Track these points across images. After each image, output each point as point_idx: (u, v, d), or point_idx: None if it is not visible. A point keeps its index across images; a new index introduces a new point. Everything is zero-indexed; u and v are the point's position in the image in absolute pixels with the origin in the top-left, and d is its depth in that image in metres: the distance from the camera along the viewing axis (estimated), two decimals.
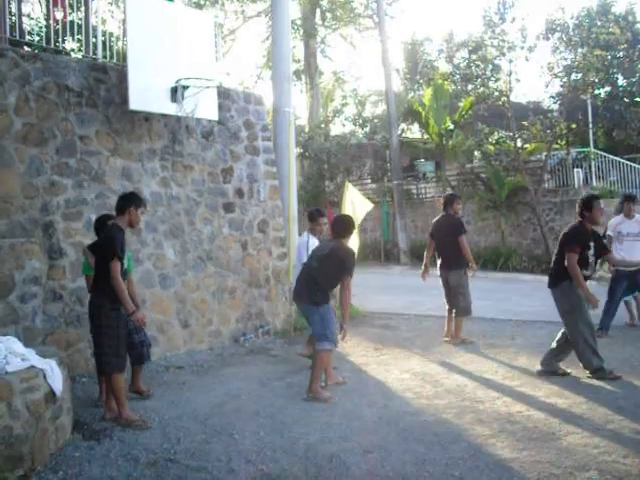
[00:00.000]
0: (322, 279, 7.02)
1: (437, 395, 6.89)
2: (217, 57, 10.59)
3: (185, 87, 8.85)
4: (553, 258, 7.63)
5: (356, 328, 10.61)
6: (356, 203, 11.15)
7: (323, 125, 28.17)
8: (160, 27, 8.86)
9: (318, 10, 31.37)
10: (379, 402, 6.70)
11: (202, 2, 26.03)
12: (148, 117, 9.20)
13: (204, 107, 9.32)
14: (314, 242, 8.43)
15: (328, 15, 32.17)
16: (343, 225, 7.31)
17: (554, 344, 7.62)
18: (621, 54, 23.17)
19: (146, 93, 8.62)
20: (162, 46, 8.81)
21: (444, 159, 23.50)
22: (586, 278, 7.30)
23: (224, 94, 10.54)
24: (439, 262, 9.69)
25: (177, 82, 8.79)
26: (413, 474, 4.78)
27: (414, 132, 31.67)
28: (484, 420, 5.97)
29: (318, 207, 11.58)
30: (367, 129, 26.21)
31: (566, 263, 7.20)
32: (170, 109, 8.95)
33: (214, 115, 9.72)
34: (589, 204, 7.35)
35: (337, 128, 29.34)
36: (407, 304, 13.22)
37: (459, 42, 27.55)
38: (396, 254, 23.12)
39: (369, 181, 26.71)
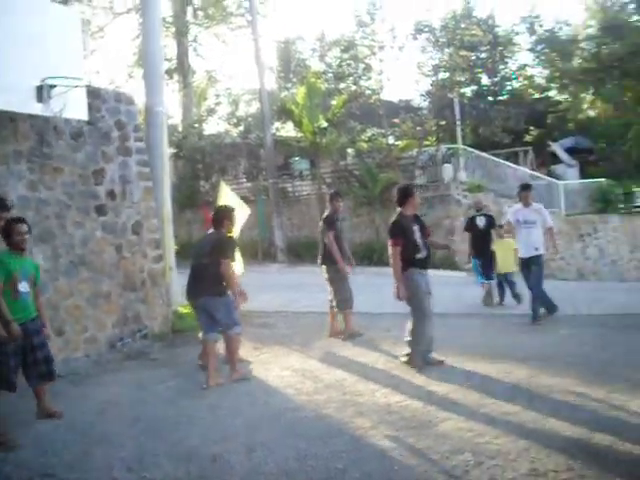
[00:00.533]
0: (215, 270, 7.27)
1: (317, 390, 6.99)
2: (85, 55, 10.31)
3: (52, 86, 8.54)
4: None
5: None
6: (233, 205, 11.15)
7: (197, 124, 27.87)
8: (24, 23, 8.51)
9: (190, 8, 31.00)
10: (260, 400, 6.74)
11: None
12: (14, 117, 8.82)
13: (73, 107, 9.00)
14: None
15: (200, 13, 31.83)
16: (218, 215, 7.67)
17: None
18: (484, 55, 24.29)
19: (10, 92, 8.25)
20: (27, 43, 8.46)
21: (319, 157, 23.76)
22: (423, 261, 7.63)
23: (94, 93, 10.22)
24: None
25: (43, 81, 8.47)
26: (296, 469, 4.86)
27: (289, 130, 31.82)
28: (364, 412, 6.12)
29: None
30: (241, 128, 26.12)
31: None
32: (37, 109, 8.62)
33: (83, 115, 9.43)
34: (407, 192, 7.66)
35: (211, 127, 29.07)
36: (285, 302, 13.30)
37: (331, 41, 27.96)
38: (273, 252, 23.20)
39: (244, 180, 26.66)
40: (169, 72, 29.93)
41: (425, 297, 7.63)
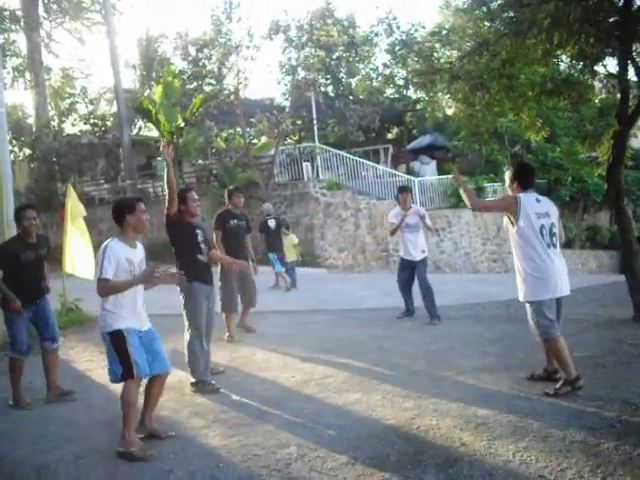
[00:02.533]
0: None
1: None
2: None
3: None
4: None
5: (85, 334, 10.43)
6: (74, 207, 11.03)
7: (54, 124, 26.96)
8: None
9: (41, 2, 29.86)
10: (99, 406, 6.67)
11: None
12: None
13: None
14: None
15: (53, 7, 30.73)
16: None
17: None
18: (342, 55, 24.76)
19: None
20: None
21: (181, 157, 23.55)
22: (206, 265, 7.28)
23: None
24: None
25: None
26: (124, 473, 4.86)
27: (152, 130, 31.34)
28: (200, 412, 6.18)
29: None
30: (97, 128, 25.50)
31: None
32: None
33: None
34: (183, 197, 7.32)
35: (69, 128, 28.19)
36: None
37: (191, 40, 27.73)
38: None
39: (103, 181, 26.05)
40: (19, 69, 28.83)
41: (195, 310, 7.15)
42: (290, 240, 15.81)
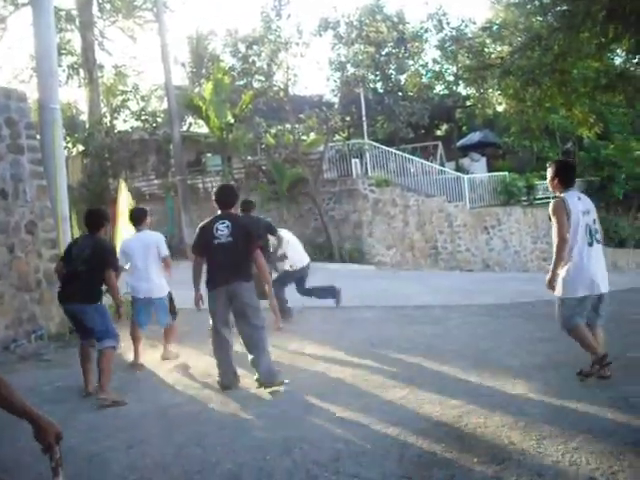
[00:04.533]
0: (90, 277, 6.92)
1: (205, 386, 7.07)
2: None
3: None
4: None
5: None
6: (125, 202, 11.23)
7: (107, 121, 27.37)
8: None
9: (95, 1, 30.33)
10: (148, 397, 6.77)
11: None
12: None
13: None
14: None
15: (106, 6, 31.21)
16: (92, 218, 7.24)
17: None
18: (391, 51, 24.66)
19: None
20: None
21: (228, 153, 23.72)
22: None
23: None
24: None
25: None
26: (172, 463, 4.92)
27: (202, 126, 31.62)
28: (248, 405, 6.23)
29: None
30: (148, 125, 25.79)
31: None
32: None
33: None
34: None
35: (121, 124, 28.61)
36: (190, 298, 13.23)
37: (241, 37, 27.91)
38: (183, 249, 23.05)
39: (153, 177, 26.38)
40: (74, 67, 29.33)
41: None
42: None
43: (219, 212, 7.07)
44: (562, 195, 6.18)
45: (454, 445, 4.83)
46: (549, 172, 6.36)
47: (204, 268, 7.08)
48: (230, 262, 6.79)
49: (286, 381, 6.76)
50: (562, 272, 6.15)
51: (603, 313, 6.21)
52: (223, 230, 6.81)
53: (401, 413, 5.66)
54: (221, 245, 6.81)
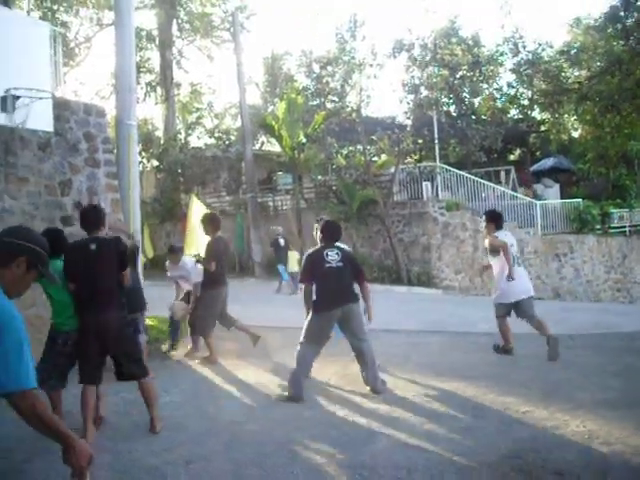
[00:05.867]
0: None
1: (268, 404, 7.04)
2: (56, 68, 10.37)
3: (16, 97, 8.62)
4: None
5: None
6: (200, 213, 11.29)
7: (181, 138, 27.96)
8: None
9: (175, 21, 31.14)
10: (209, 413, 6.77)
11: (47, 8, 25.23)
12: None
13: (38, 118, 9.10)
14: None
15: (185, 26, 32.00)
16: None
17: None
18: (465, 74, 24.46)
19: None
20: None
21: (298, 172, 23.87)
22: None
23: (63, 105, 10.29)
24: None
25: (7, 91, 8.55)
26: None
27: (274, 145, 32.00)
28: (306, 427, 6.16)
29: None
30: (221, 142, 26.22)
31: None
32: (1, 119, 8.69)
33: (49, 126, 9.50)
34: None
35: (195, 141, 29.22)
36: (255, 315, 13.29)
37: (315, 57, 28.19)
38: (251, 266, 23.26)
39: (224, 194, 26.73)
40: (152, 85, 30.10)
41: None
42: (293, 255, 19.01)
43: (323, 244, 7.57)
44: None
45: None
46: (484, 220, 9.30)
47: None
48: (342, 285, 7.39)
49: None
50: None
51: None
52: (334, 256, 7.37)
53: (464, 444, 5.51)
54: (332, 269, 7.33)
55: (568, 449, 5.25)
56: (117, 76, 11.81)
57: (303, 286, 7.48)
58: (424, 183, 21.84)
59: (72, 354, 6.06)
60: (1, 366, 2.71)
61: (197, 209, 11.83)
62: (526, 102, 32.11)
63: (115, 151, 11.38)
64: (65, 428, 2.87)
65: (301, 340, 7.34)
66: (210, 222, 9.62)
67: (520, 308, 9.24)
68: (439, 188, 22.33)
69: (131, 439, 5.97)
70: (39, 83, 9.04)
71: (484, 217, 9.60)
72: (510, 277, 8.94)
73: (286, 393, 7.21)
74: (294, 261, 18.72)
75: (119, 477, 5.07)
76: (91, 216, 6.32)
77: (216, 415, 6.68)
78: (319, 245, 7.60)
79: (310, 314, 7.32)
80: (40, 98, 8.92)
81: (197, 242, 11.33)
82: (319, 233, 7.73)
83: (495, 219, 9.40)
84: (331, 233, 7.67)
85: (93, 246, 5.98)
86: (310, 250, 7.68)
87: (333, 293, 7.31)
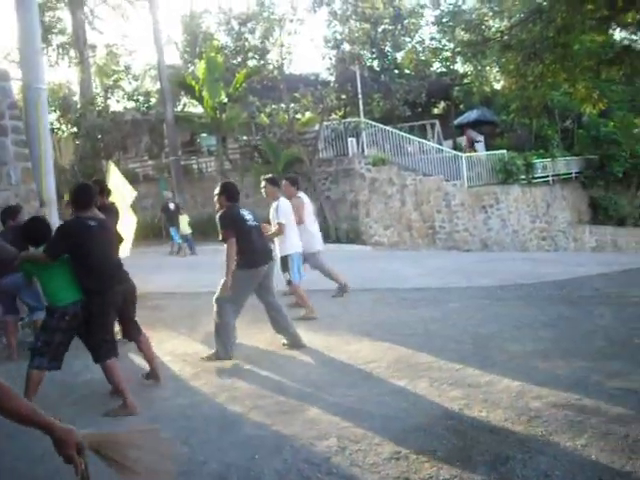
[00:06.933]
0: None
1: (196, 376, 6.78)
2: None
3: None
4: None
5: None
6: (120, 186, 10.73)
7: (101, 102, 26.96)
8: None
9: None
10: (133, 389, 6.47)
11: None
12: None
13: None
14: None
15: None
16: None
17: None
18: (387, 28, 24.22)
19: None
20: None
21: (222, 133, 23.35)
22: None
23: None
24: None
25: None
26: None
27: (197, 106, 31.23)
28: (238, 397, 5.94)
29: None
30: (141, 105, 25.42)
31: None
32: None
33: None
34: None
35: (114, 105, 28.20)
36: (181, 282, 12.98)
37: (235, 15, 27.47)
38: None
39: (147, 158, 26.03)
40: (64, 47, 28.88)
41: None
42: (184, 218, 19.94)
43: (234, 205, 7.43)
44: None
45: (455, 442, 4.56)
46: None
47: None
48: (264, 242, 7.71)
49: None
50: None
51: None
52: (248, 216, 7.44)
53: (398, 406, 5.38)
54: (254, 227, 7.45)
55: (501, 405, 5.16)
56: (20, 37, 11.09)
57: (228, 242, 7.14)
58: (349, 139, 21.67)
59: (69, 330, 5.78)
60: None
61: (115, 178, 11.30)
62: (449, 54, 32.12)
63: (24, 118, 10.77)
64: (42, 417, 2.47)
65: (220, 297, 7.22)
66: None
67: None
68: (364, 144, 22.19)
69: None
70: None
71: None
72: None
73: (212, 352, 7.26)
74: (185, 224, 19.84)
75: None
76: (88, 194, 6.16)
77: (141, 390, 6.39)
78: (227, 205, 7.37)
79: (236, 271, 7.11)
80: None
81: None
82: (222, 195, 7.44)
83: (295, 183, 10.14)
84: (236, 193, 7.55)
85: (94, 223, 5.94)
86: (221, 211, 7.38)
87: (260, 250, 7.42)
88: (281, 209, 9.04)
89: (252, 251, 7.28)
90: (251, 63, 22.51)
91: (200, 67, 22.33)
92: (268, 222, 9.06)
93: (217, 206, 7.52)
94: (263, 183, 9.39)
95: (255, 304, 7.73)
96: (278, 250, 9.25)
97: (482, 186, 23.45)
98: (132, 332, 6.57)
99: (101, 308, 5.81)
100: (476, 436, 4.64)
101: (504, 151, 25.20)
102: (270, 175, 9.92)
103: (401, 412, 5.23)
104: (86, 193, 6.15)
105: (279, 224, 8.95)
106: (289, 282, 9.40)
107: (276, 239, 9.09)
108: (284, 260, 9.29)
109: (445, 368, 6.30)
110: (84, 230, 5.84)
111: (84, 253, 5.76)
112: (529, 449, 4.32)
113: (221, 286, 7.22)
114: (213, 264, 8.83)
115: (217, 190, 7.55)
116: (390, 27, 24.66)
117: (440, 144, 26.26)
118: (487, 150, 26.93)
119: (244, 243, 7.20)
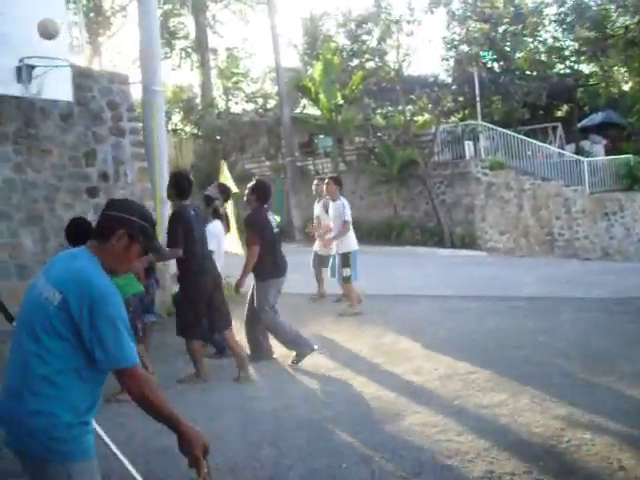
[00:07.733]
0: None
1: (290, 379, 6.77)
2: (74, 35, 10.12)
3: (31, 67, 8.37)
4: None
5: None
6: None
7: (222, 104, 27.67)
8: (4, 3, 8.35)
9: None
10: (224, 387, 6.54)
11: None
12: None
13: (57, 88, 8.87)
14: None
15: None
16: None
17: None
18: (509, 28, 23.59)
19: None
20: (7, 23, 8.29)
21: (338, 134, 23.41)
22: None
23: (85, 74, 10.08)
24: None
25: (21, 61, 8.30)
26: (244, 466, 4.64)
27: (315, 107, 31.53)
28: (331, 403, 5.89)
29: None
30: (260, 106, 25.89)
31: None
32: (16, 90, 8.47)
33: (68, 96, 9.27)
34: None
35: (233, 106, 28.88)
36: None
37: (353, 17, 27.53)
38: (290, 232, 23.00)
39: (264, 159, 26.44)
40: (187, 51, 29.75)
41: None
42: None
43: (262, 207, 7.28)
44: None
45: (553, 464, 4.32)
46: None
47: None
48: (283, 253, 7.47)
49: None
50: None
51: None
52: (274, 222, 7.36)
53: (497, 421, 5.16)
54: (277, 235, 7.33)
55: (609, 430, 4.85)
56: (141, 42, 11.51)
57: (252, 248, 7.03)
58: (466, 142, 21.23)
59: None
60: (98, 344, 2.52)
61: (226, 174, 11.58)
62: (569, 53, 30.88)
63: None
64: (174, 412, 2.58)
65: (261, 309, 7.16)
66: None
67: None
68: (482, 147, 21.69)
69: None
70: (54, 51, 8.73)
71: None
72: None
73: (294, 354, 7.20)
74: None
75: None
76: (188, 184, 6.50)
77: (235, 390, 6.43)
78: (255, 206, 7.20)
79: (264, 283, 7.10)
80: (56, 66, 8.64)
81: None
82: (253, 194, 7.24)
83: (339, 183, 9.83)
84: (268, 194, 7.39)
85: (193, 212, 6.37)
86: (251, 212, 7.22)
87: (282, 260, 7.33)
88: (347, 207, 9.31)
89: (274, 262, 7.17)
90: (368, 65, 22.43)
91: (317, 69, 22.48)
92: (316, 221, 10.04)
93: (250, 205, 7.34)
94: (326, 180, 9.77)
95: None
96: (337, 247, 9.31)
97: (605, 192, 22.41)
98: (219, 324, 6.65)
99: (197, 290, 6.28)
100: (577, 460, 4.38)
101: (630, 156, 23.99)
102: (335, 174, 10.22)
103: (499, 427, 5.02)
104: (190, 183, 6.53)
105: (345, 222, 9.22)
106: (346, 278, 9.35)
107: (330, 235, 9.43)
108: (345, 257, 9.36)
109: (549, 384, 6.00)
110: (192, 217, 6.28)
111: (192, 239, 6.18)
112: (636, 479, 4.01)
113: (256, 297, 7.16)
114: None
115: (248, 188, 7.35)
116: (510, 27, 24.05)
117: (562, 148, 25.32)
118: (613, 154, 25.73)
119: (268, 253, 7.08)
